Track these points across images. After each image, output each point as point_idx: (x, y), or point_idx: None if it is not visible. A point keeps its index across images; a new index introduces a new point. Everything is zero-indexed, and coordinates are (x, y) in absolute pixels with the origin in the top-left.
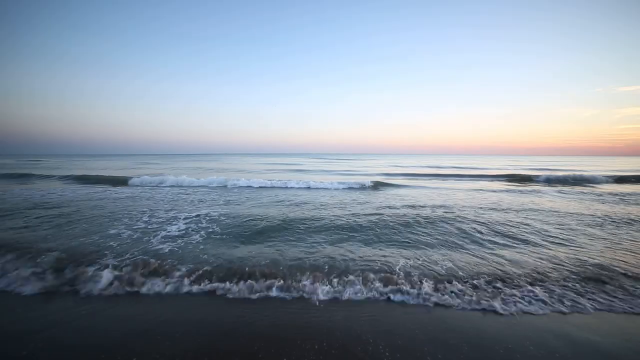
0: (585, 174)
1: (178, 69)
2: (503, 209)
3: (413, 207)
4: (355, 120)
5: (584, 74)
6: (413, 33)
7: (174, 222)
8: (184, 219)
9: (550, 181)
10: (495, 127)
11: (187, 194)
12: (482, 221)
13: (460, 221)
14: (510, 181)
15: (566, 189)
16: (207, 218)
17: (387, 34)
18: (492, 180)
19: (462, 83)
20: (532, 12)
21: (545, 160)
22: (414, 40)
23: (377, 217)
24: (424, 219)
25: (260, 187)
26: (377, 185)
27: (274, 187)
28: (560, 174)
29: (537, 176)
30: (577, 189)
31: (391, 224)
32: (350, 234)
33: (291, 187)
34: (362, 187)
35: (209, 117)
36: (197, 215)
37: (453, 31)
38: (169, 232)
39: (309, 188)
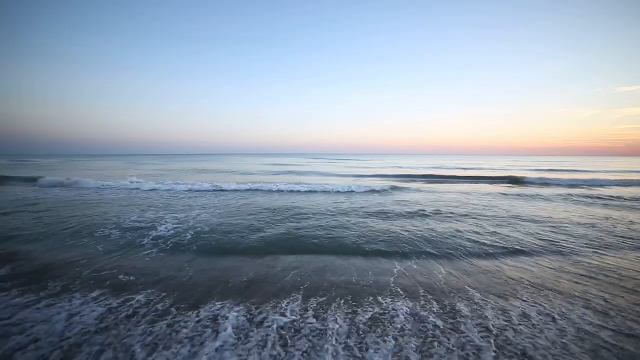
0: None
1: (178, 69)
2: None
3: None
4: (355, 120)
5: (584, 74)
6: (413, 33)
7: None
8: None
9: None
10: (495, 127)
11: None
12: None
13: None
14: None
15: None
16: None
17: (387, 34)
18: (492, 183)
19: (462, 83)
20: (532, 12)
21: (551, 160)
22: (414, 40)
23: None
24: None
25: (221, 190)
26: (382, 189)
27: (249, 189)
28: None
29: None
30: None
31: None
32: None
33: (262, 190)
34: (360, 191)
35: (209, 117)
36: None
37: (453, 31)
38: None
39: (299, 192)
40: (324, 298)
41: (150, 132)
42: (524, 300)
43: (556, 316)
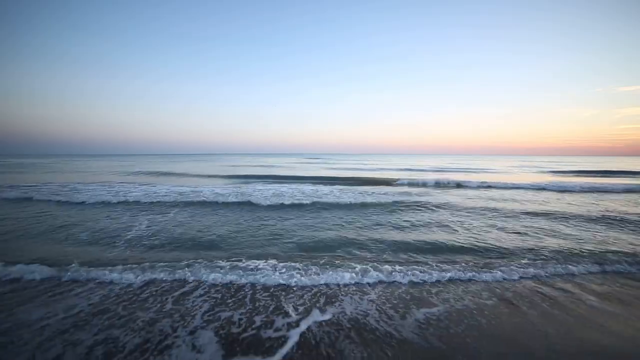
0: None
1: (178, 69)
2: None
3: None
4: (355, 120)
5: (584, 74)
6: (413, 33)
7: None
8: None
9: None
10: (495, 127)
11: None
12: None
13: None
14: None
15: None
16: None
17: (387, 34)
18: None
19: (462, 83)
20: (532, 12)
21: (552, 160)
22: (414, 40)
23: None
24: None
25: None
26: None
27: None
28: None
29: None
30: None
31: None
32: None
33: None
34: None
35: (209, 117)
36: None
37: (453, 31)
38: None
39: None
40: None
41: (150, 132)
42: None
43: None
